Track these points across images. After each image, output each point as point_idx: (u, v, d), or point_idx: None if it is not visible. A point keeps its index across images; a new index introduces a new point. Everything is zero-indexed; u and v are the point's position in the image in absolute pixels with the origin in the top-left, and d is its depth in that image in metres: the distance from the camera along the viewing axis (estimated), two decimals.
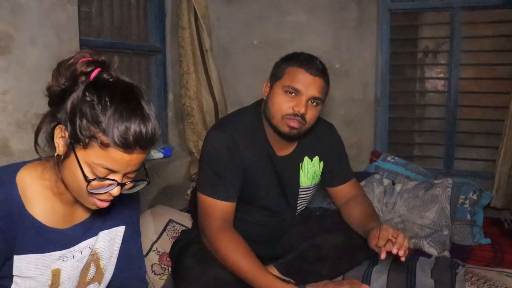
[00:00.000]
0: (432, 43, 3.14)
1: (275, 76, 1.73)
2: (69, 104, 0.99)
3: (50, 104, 1.05)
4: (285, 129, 1.69)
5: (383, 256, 1.55)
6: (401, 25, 3.08)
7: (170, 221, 2.26)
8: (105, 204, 1.05)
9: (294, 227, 1.96)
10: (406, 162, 2.87)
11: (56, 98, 1.02)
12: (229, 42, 3.16)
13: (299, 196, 1.93)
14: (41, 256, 1.08)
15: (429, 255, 2.21)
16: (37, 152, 1.07)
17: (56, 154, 1.02)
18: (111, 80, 1.02)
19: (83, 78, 1.01)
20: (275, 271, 1.81)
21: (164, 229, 2.21)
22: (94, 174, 0.99)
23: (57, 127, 1.01)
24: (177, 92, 2.87)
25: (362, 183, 2.72)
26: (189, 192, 2.74)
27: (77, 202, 1.10)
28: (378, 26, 2.96)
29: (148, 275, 1.97)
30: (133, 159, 0.99)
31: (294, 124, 1.67)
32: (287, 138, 1.77)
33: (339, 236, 1.83)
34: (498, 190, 2.74)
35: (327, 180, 1.98)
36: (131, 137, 0.96)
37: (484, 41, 2.94)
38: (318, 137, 1.91)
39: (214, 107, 2.82)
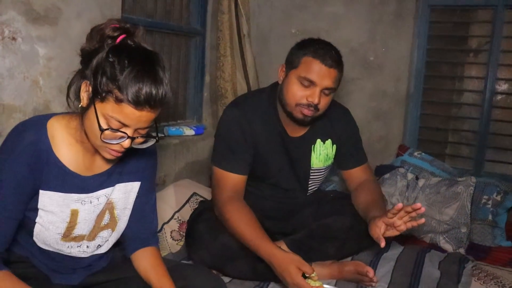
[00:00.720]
0: (475, 42, 3.09)
1: (291, 63, 1.79)
2: (94, 62, 1.12)
3: (81, 63, 1.19)
4: (299, 116, 1.77)
5: (382, 244, 1.59)
6: (443, 22, 3.06)
7: (194, 193, 2.39)
8: (118, 154, 1.18)
9: (306, 207, 2.04)
10: (432, 159, 2.87)
11: (86, 58, 1.16)
12: (268, 30, 3.24)
13: (311, 177, 2.00)
14: (62, 195, 1.24)
15: (443, 251, 2.24)
16: (68, 104, 1.22)
17: (80, 106, 1.17)
18: (133, 45, 1.15)
19: (109, 41, 1.14)
20: (284, 247, 1.89)
21: (187, 201, 2.34)
22: (108, 125, 1.12)
23: (83, 82, 1.15)
24: (214, 74, 2.98)
25: (387, 175, 2.75)
26: None
27: (97, 152, 1.24)
28: (416, 21, 2.95)
29: (167, 240, 2.11)
30: (143, 116, 1.11)
31: (308, 112, 1.75)
32: (296, 123, 1.85)
33: (348, 218, 1.89)
34: None
35: (340, 162, 2.04)
36: (142, 96, 1.08)
37: None
38: (332, 120, 1.97)
39: (248, 90, 2.91)
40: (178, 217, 2.23)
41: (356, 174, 2.01)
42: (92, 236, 1.34)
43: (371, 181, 1.99)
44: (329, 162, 2.01)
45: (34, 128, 1.20)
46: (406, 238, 2.37)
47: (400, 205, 1.55)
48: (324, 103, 1.77)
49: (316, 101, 1.72)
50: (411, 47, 2.98)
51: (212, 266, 1.74)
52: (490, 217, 2.52)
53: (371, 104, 3.07)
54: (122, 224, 1.39)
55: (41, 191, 1.21)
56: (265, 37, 3.25)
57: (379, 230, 1.61)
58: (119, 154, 1.19)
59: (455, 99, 3.16)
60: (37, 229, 1.25)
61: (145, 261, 1.39)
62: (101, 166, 1.30)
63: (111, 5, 2.14)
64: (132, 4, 2.50)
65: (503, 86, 2.98)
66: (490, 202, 2.56)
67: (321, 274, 1.79)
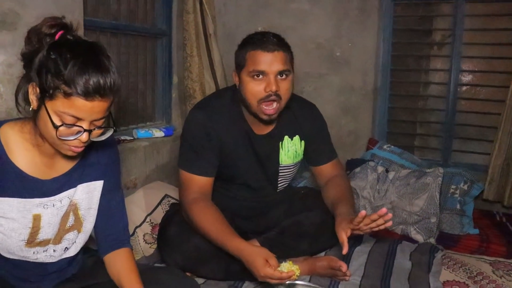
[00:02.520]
0: (439, 35, 3.16)
1: (239, 65, 1.78)
2: (36, 62, 1.10)
3: (24, 67, 1.17)
4: (264, 117, 1.76)
5: (344, 251, 1.60)
6: (407, 16, 3.11)
7: (166, 195, 2.37)
8: (78, 150, 1.17)
9: (278, 205, 2.04)
10: (401, 151, 2.92)
11: (28, 60, 1.14)
12: (234, 28, 3.23)
13: (280, 174, 1.99)
14: (22, 200, 1.21)
15: (415, 241, 2.28)
16: (19, 111, 1.19)
17: (31, 109, 1.14)
18: (72, 39, 1.14)
19: (48, 39, 1.12)
20: (257, 245, 1.91)
21: (159, 203, 2.32)
22: (62, 121, 1.10)
23: (29, 85, 1.13)
24: (181, 74, 2.96)
25: (357, 169, 2.79)
26: None
27: (56, 154, 1.22)
28: (380, 16, 3.00)
29: (140, 243, 2.08)
30: (95, 106, 1.10)
31: (271, 111, 1.73)
32: (267, 123, 1.84)
33: (319, 214, 1.91)
34: (491, 183, 2.77)
35: (309, 158, 2.04)
36: (91, 87, 1.07)
37: (486, 34, 2.95)
38: (297, 116, 1.96)
39: (216, 90, 2.90)
40: (150, 220, 2.21)
41: (326, 170, 2.02)
42: (58, 239, 1.32)
43: (341, 176, 2.00)
44: (298, 158, 2.01)
45: None
46: (378, 231, 2.40)
47: (363, 212, 1.56)
48: (284, 88, 1.73)
49: (273, 88, 1.69)
50: (377, 42, 3.02)
51: (186, 268, 1.73)
52: (458, 206, 2.58)
53: (340, 99, 3.10)
54: (88, 224, 1.37)
55: None
56: (232, 35, 3.23)
57: (344, 234, 1.61)
58: (80, 149, 1.17)
59: (422, 91, 3.22)
60: None
61: (117, 264, 1.36)
62: (60, 168, 1.28)
63: (72, 8, 2.09)
64: (94, 7, 2.45)
65: (467, 78, 3.06)
66: (457, 191, 2.62)
67: None
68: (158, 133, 2.74)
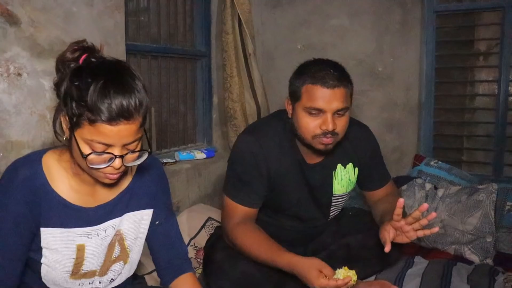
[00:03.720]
0: (484, 45, 3.05)
1: (294, 96, 1.67)
2: (62, 90, 1.07)
3: (57, 96, 1.13)
4: (320, 147, 1.66)
5: (387, 248, 1.53)
6: (449, 27, 3.02)
7: (209, 218, 2.34)
8: (115, 177, 1.12)
9: (326, 229, 1.97)
10: (450, 167, 2.81)
11: (58, 89, 1.10)
12: (273, 46, 3.22)
13: (332, 203, 1.89)
14: (65, 230, 1.18)
15: (470, 262, 2.16)
16: (58, 140, 1.17)
17: (64, 138, 1.12)
18: (95, 61, 1.08)
19: (72, 64, 1.09)
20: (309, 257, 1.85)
21: (203, 226, 2.30)
22: (92, 149, 1.06)
23: (61, 115, 1.10)
24: (221, 95, 2.96)
25: (404, 187, 2.69)
26: None
27: (97, 182, 1.19)
28: (422, 28, 2.92)
29: None
30: (122, 130, 1.04)
31: (327, 140, 1.63)
32: (323, 153, 1.74)
33: (370, 236, 1.82)
34: None
35: (364, 184, 1.95)
36: (114, 111, 1.01)
37: None
38: (352, 142, 1.85)
39: (257, 109, 2.88)
40: (194, 243, 2.19)
41: (381, 193, 1.93)
42: (103, 270, 1.28)
43: (393, 194, 1.92)
44: (352, 186, 1.90)
45: (28, 164, 1.15)
46: (429, 251, 2.30)
47: (401, 201, 1.50)
48: (341, 125, 1.63)
49: (330, 127, 1.58)
50: (419, 55, 2.94)
51: None
52: None
53: (383, 115, 3.02)
54: (134, 255, 1.34)
55: (42, 229, 1.16)
56: (271, 54, 3.23)
57: (387, 234, 1.55)
58: (116, 176, 1.13)
59: (468, 104, 3.10)
60: (43, 270, 1.20)
61: None
62: (105, 197, 1.25)
63: (114, 33, 2.12)
64: (135, 31, 2.50)
65: None
66: None
67: None
68: (200, 155, 2.74)
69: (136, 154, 1.12)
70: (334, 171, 1.84)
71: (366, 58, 3.02)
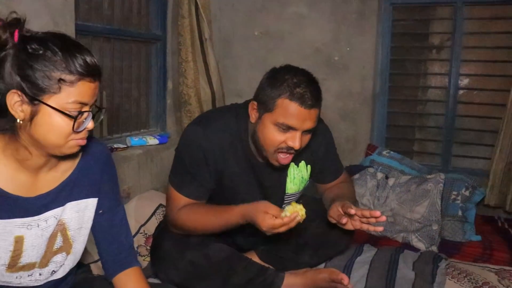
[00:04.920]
0: (437, 39, 3.12)
1: (264, 105, 1.56)
2: (9, 67, 1.00)
3: None
4: (276, 163, 1.62)
5: (344, 220, 1.55)
6: (405, 20, 3.07)
7: (160, 205, 2.31)
8: (83, 142, 1.10)
9: None
10: (401, 157, 2.88)
11: None
12: (230, 33, 3.18)
13: (284, 202, 1.85)
14: (2, 221, 1.10)
15: (416, 249, 2.23)
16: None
17: (17, 121, 1.03)
18: (38, 32, 1.05)
19: (10, 43, 1.01)
20: (256, 258, 1.84)
21: (153, 213, 2.26)
22: (76, 112, 1.04)
23: (7, 95, 1.01)
24: (176, 80, 2.90)
25: (356, 176, 2.74)
26: None
27: (41, 169, 1.13)
28: (379, 20, 2.96)
29: None
30: (96, 87, 1.06)
31: (286, 160, 1.60)
32: (274, 169, 1.70)
33: (319, 224, 1.84)
34: (493, 188, 2.73)
35: (317, 179, 1.92)
36: (90, 65, 1.02)
37: (486, 37, 2.91)
38: (308, 144, 1.75)
39: (212, 96, 2.85)
40: (144, 231, 2.15)
41: (332, 185, 1.92)
42: (44, 262, 1.22)
43: (346, 182, 1.93)
44: (304, 184, 1.87)
45: None
46: (378, 239, 2.35)
47: (352, 211, 1.52)
48: (304, 141, 1.59)
49: (297, 145, 1.53)
50: (376, 46, 2.97)
51: (181, 285, 1.65)
52: (460, 212, 2.53)
53: (338, 104, 3.05)
54: (78, 245, 1.27)
55: None
56: (228, 40, 3.19)
57: (337, 210, 1.58)
58: (84, 142, 1.10)
59: (421, 96, 3.17)
60: None
61: (129, 285, 1.31)
62: (46, 185, 1.17)
63: (63, 11, 2.03)
64: (87, 11, 2.40)
65: (465, 82, 3.01)
66: (459, 197, 2.57)
67: (295, 283, 1.74)
68: (152, 141, 2.68)
69: (99, 112, 1.13)
70: (287, 171, 1.80)
71: (322, 47, 3.03)
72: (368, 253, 2.06)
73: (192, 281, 1.67)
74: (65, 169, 1.21)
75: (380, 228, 1.53)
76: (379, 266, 1.94)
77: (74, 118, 1.03)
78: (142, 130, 2.87)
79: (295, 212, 1.44)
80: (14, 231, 1.13)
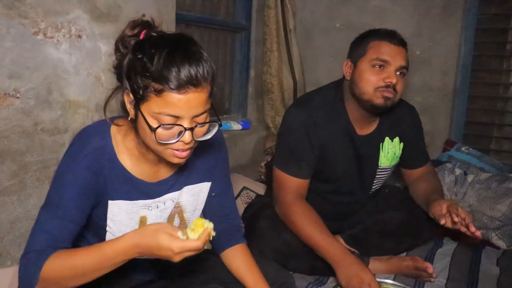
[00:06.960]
0: None
1: (357, 54, 1.74)
2: (125, 67, 1.05)
3: (117, 79, 1.12)
4: (380, 101, 1.70)
5: (443, 221, 1.60)
6: (489, 14, 3.00)
7: (244, 188, 2.42)
8: (184, 154, 1.08)
9: (363, 207, 2.03)
10: (481, 154, 2.83)
11: (119, 70, 1.09)
12: (312, 24, 3.23)
13: (376, 176, 1.94)
14: (130, 202, 1.20)
15: (496, 247, 2.22)
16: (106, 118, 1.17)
17: (130, 119, 1.09)
18: (155, 34, 1.06)
19: (132, 41, 1.06)
20: (341, 241, 1.90)
21: (238, 195, 2.37)
22: (160, 123, 1.02)
23: (124, 94, 1.08)
24: (259, 69, 3.00)
25: None
26: (263, 164, 2.88)
27: (160, 161, 1.19)
28: (464, 14, 2.91)
29: None
30: (191, 100, 1.00)
31: (389, 94, 1.68)
32: (378, 111, 1.77)
33: (405, 213, 1.89)
34: None
35: (405, 162, 1.99)
36: (181, 78, 0.98)
37: None
38: (399, 117, 1.91)
39: (294, 85, 2.92)
40: None
41: (419, 172, 1.98)
42: None
43: (432, 174, 1.97)
44: (396, 160, 1.95)
45: (100, 135, 1.15)
46: (457, 234, 2.35)
47: (456, 218, 1.58)
48: (401, 86, 1.71)
49: (394, 80, 1.66)
50: (459, 41, 2.93)
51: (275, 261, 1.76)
52: None
53: (417, 98, 3.03)
54: None
55: (110, 202, 1.17)
56: (309, 32, 3.24)
57: (441, 209, 1.63)
58: (185, 154, 1.08)
59: (502, 93, 3.10)
60: (108, 237, 1.22)
61: (237, 260, 1.37)
62: (166, 172, 1.25)
63: (166, 2, 2.17)
64: (183, 1, 2.53)
65: None
66: None
67: (379, 269, 1.80)
68: (236, 126, 2.80)
69: (206, 127, 1.08)
70: (381, 144, 1.89)
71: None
72: (449, 245, 2.09)
73: (285, 259, 1.76)
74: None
75: (478, 233, 1.58)
76: (461, 259, 1.97)
77: (153, 130, 1.02)
78: (224, 116, 2.99)
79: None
80: (139, 211, 1.23)
